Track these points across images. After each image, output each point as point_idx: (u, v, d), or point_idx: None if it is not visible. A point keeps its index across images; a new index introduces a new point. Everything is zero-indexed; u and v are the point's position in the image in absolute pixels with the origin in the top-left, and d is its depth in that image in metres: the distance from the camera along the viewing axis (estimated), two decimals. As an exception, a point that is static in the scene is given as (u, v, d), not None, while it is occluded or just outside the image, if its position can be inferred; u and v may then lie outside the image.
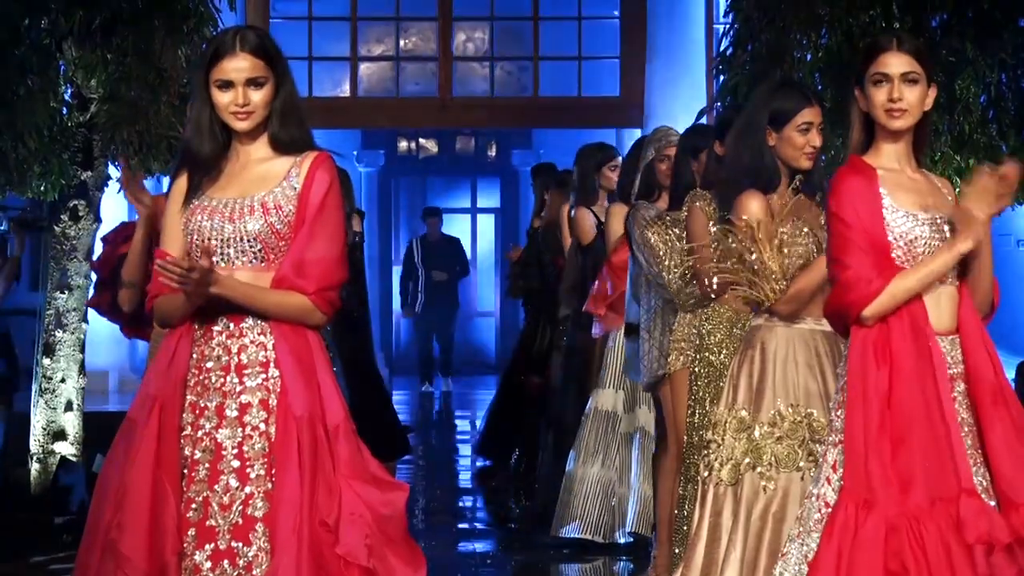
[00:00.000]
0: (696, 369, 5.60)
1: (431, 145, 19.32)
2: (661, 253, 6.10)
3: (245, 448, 3.87)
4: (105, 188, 8.55)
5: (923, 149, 4.30)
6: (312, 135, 4.05)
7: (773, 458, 4.74)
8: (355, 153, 18.19)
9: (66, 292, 8.43)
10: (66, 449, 8.43)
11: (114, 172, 8.50)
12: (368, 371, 8.29)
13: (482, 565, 7.67)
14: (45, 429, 8.43)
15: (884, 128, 4.18)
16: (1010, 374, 9.04)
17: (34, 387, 8.50)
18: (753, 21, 7.81)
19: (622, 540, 7.55)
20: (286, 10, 14.15)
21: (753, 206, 4.78)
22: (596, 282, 7.52)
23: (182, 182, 4.03)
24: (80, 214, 8.42)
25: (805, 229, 4.81)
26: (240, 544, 3.84)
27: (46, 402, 8.44)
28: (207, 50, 4.02)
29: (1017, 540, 4.01)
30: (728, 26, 8.10)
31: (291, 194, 3.95)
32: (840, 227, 4.09)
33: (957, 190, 4.22)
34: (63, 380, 8.45)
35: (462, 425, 13.79)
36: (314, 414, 3.87)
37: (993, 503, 4.05)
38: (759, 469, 4.75)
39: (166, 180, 7.44)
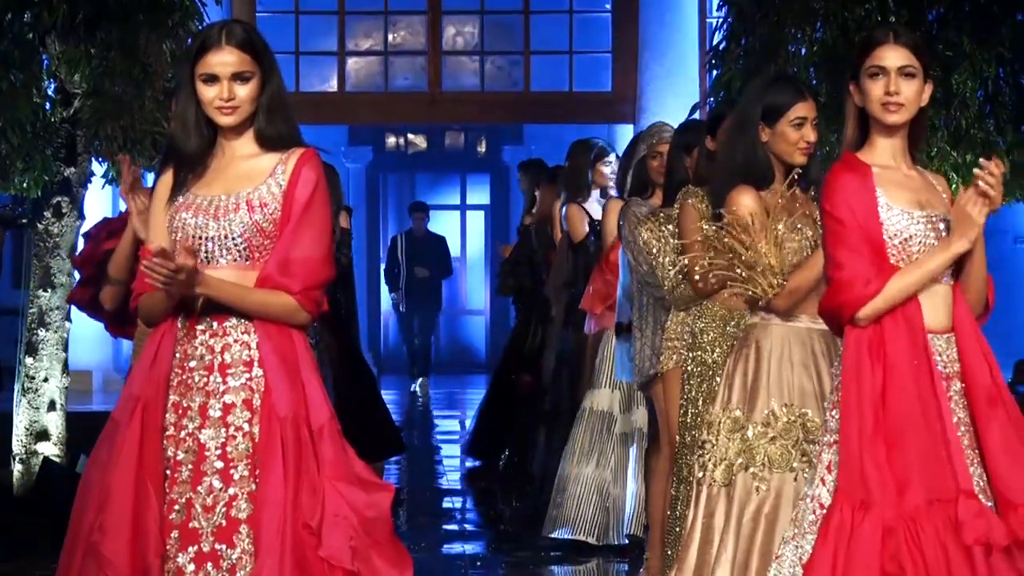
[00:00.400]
0: (689, 368, 5.58)
1: (420, 141, 19.26)
2: (654, 250, 6.06)
3: (228, 449, 3.85)
4: (89, 184, 8.51)
5: (919, 146, 4.27)
6: (299, 131, 4.01)
7: (766, 458, 4.71)
8: (343, 149, 18.13)
9: (49, 290, 8.37)
10: (49, 449, 8.39)
11: (98, 168, 8.45)
12: (357, 369, 8.25)
13: (471, 567, 7.63)
14: (28, 429, 8.38)
15: (879, 123, 4.13)
16: (1007, 373, 9.01)
17: (16, 387, 8.45)
18: (747, 15, 7.82)
19: (617, 542, 7.51)
20: (272, 4, 14.08)
21: (746, 200, 4.75)
22: (591, 279, 7.46)
23: (167, 178, 4.00)
24: (63, 211, 8.37)
25: (799, 225, 4.76)
26: (224, 546, 3.82)
27: (29, 402, 8.38)
28: (192, 44, 3.99)
29: (1015, 542, 3.99)
30: (721, 20, 8.12)
31: (277, 191, 3.92)
32: (834, 225, 4.06)
33: (954, 187, 4.17)
34: (46, 379, 8.39)
35: (451, 425, 13.74)
36: (298, 414, 3.85)
37: (990, 503, 4.02)
38: (752, 469, 4.72)
39: (151, 176, 7.37)
